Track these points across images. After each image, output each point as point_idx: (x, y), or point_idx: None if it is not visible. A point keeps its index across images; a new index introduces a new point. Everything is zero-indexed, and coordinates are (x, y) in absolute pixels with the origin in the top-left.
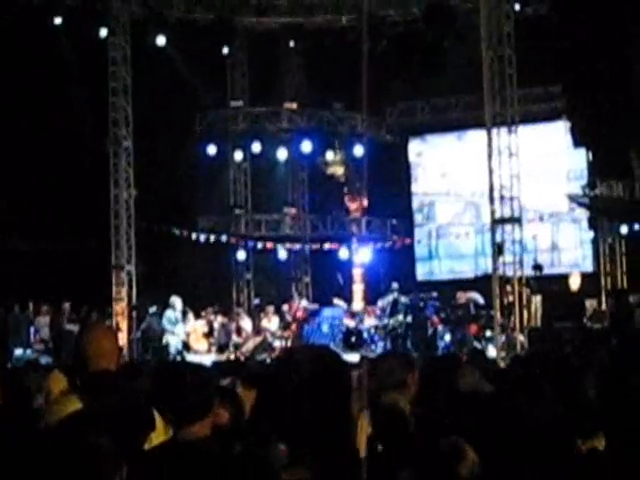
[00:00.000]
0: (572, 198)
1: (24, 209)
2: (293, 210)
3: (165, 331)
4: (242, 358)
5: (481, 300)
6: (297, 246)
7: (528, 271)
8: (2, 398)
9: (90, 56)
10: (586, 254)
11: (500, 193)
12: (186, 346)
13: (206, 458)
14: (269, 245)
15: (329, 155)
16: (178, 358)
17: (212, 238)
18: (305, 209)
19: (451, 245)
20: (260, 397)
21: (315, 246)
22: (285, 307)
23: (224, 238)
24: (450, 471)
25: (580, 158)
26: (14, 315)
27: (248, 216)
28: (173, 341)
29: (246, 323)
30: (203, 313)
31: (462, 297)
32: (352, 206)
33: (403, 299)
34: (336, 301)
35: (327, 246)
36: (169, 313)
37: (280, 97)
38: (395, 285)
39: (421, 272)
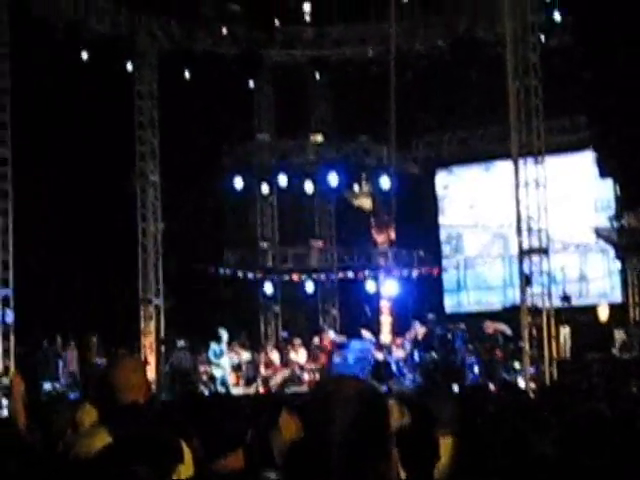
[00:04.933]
0: (599, 233)
1: (51, 243)
2: (320, 243)
3: (210, 363)
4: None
5: (509, 332)
6: (324, 278)
7: (556, 302)
8: (33, 432)
9: (117, 90)
10: (614, 284)
11: (527, 224)
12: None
13: None
14: (296, 278)
15: (356, 187)
16: (222, 390)
17: (239, 272)
18: (332, 242)
19: (479, 276)
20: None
21: (342, 278)
22: (316, 340)
23: (251, 272)
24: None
25: (607, 188)
26: (43, 349)
27: (275, 249)
28: (218, 374)
29: (274, 356)
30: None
31: (490, 327)
32: (379, 238)
33: (439, 330)
34: (364, 333)
35: (352, 276)
36: (214, 346)
37: (306, 129)
38: (431, 316)
39: (449, 304)
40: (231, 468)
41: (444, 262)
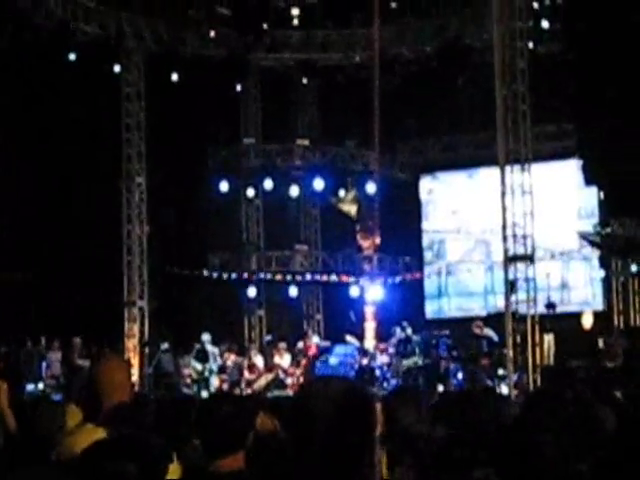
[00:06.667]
0: (583, 236)
1: (37, 243)
2: (304, 247)
3: (192, 367)
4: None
5: (496, 338)
6: (308, 282)
7: (541, 309)
8: (18, 432)
9: (104, 91)
10: (596, 292)
11: (513, 231)
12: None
13: None
14: (280, 282)
15: (341, 192)
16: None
17: (224, 275)
18: (317, 246)
19: (460, 283)
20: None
21: (326, 282)
22: (300, 344)
23: (235, 275)
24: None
25: (591, 196)
26: (26, 350)
27: (259, 253)
28: (202, 377)
29: (258, 360)
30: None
31: (478, 330)
32: (364, 244)
33: (414, 337)
34: (348, 338)
35: (336, 279)
36: (197, 350)
37: (293, 134)
38: (406, 324)
39: (430, 310)
40: (230, 470)
41: (426, 268)
